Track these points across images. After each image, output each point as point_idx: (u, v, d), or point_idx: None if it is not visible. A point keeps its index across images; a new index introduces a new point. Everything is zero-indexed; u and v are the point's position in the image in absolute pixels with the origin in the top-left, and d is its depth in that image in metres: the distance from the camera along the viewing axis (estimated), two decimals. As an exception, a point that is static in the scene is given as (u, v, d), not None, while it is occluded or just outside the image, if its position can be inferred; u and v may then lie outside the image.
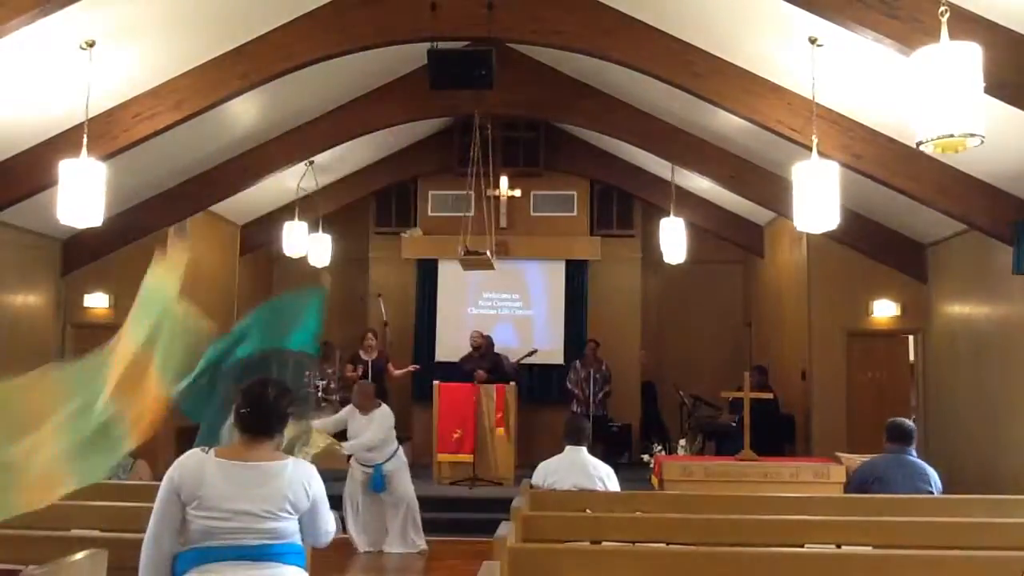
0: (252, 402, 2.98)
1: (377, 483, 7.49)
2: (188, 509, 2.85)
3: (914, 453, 5.41)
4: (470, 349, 10.90)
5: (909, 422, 5.55)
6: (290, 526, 2.95)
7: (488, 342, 11.01)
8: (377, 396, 8.02)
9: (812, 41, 6.02)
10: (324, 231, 11.40)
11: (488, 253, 9.91)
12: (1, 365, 8.62)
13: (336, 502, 3.21)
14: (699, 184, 10.72)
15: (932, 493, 5.26)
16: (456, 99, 8.84)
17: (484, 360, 10.68)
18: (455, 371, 11.01)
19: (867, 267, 9.56)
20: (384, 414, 7.61)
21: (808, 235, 9.00)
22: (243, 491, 2.87)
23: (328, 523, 3.10)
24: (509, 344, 11.56)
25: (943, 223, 7.87)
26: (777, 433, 9.74)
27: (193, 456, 2.96)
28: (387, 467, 7.51)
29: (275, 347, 3.77)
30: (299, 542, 3.00)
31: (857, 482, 5.52)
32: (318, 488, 3.04)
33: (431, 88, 7.57)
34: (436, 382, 10.11)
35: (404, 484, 7.65)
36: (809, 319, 9.81)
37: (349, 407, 7.78)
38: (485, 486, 9.42)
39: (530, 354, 11.00)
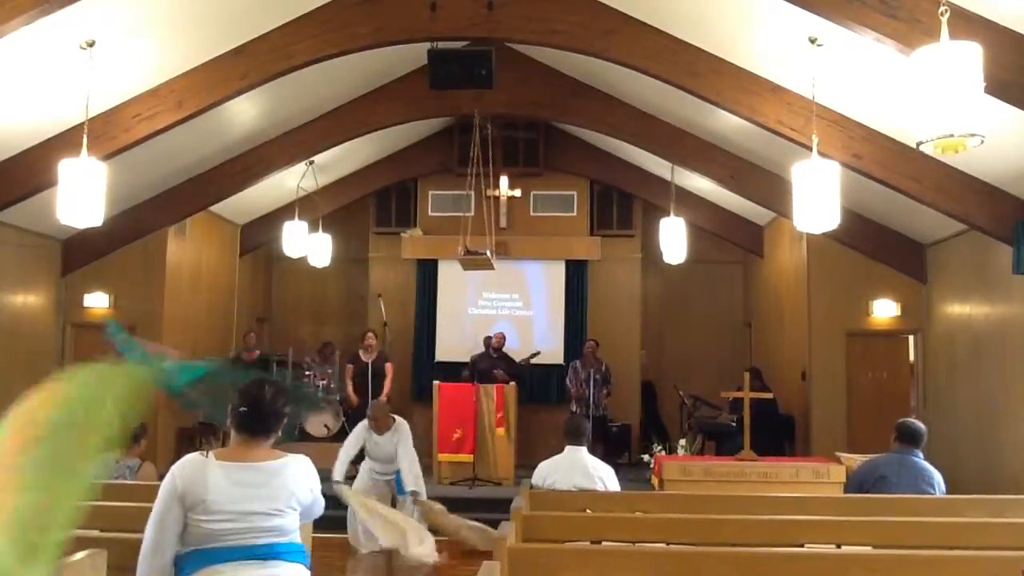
0: (250, 402, 2.98)
1: (401, 488, 7.26)
2: (190, 514, 2.84)
3: (920, 455, 5.36)
4: (481, 350, 10.88)
5: (919, 424, 5.47)
6: (294, 522, 2.98)
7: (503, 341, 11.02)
8: (376, 396, 7.91)
9: (812, 41, 6.02)
10: (324, 231, 11.40)
11: (488, 253, 9.91)
12: (1, 365, 8.63)
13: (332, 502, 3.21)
14: (699, 184, 10.72)
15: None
16: (456, 99, 8.84)
17: (501, 360, 10.67)
18: (455, 371, 11.00)
19: (867, 267, 9.56)
20: (405, 430, 7.30)
21: (808, 235, 9.00)
22: (249, 492, 2.87)
23: (320, 505, 3.15)
24: (509, 344, 11.54)
25: (943, 223, 7.86)
26: (777, 433, 9.73)
27: (193, 460, 2.94)
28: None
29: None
30: (299, 540, 3.01)
31: (859, 479, 5.50)
32: (317, 481, 3.09)
33: (431, 88, 7.58)
34: (436, 382, 10.09)
35: None
36: (809, 319, 9.80)
37: (362, 425, 7.39)
38: (485, 486, 9.42)
39: (534, 355, 10.99)
